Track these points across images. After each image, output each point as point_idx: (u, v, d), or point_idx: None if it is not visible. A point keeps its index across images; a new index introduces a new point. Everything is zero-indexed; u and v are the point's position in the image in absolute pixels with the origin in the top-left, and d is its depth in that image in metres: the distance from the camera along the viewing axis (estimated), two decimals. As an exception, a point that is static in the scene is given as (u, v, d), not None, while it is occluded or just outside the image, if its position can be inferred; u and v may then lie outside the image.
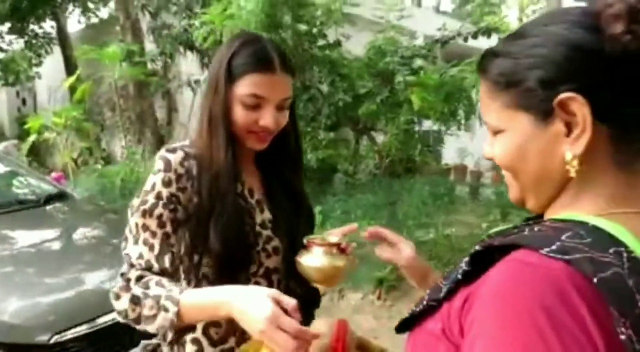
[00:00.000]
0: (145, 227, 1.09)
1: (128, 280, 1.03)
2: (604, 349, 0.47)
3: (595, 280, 0.48)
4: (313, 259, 1.07)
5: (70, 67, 9.56)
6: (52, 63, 10.40)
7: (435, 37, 4.77)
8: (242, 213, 1.16)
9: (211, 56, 6.82)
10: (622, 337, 0.47)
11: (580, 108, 0.55)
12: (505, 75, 0.61)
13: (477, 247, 0.61)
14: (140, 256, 1.06)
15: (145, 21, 7.77)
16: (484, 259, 0.58)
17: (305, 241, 1.09)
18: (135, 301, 1.00)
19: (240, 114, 1.10)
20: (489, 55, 0.65)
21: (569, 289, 0.48)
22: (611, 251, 0.51)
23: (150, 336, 1.20)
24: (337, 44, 4.51)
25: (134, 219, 1.11)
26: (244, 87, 1.09)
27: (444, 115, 4.03)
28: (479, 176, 8.22)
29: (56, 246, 2.62)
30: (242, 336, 1.12)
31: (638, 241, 0.53)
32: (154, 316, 0.97)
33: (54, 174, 3.93)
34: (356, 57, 4.69)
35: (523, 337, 0.49)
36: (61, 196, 3.15)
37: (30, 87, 11.78)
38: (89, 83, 5.17)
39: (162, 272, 1.06)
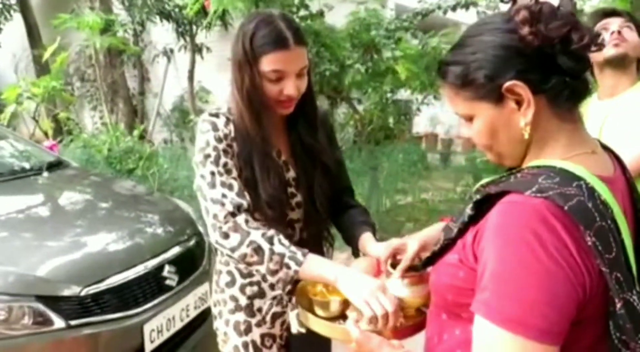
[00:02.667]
0: (219, 173, 1.27)
1: (234, 222, 1.23)
2: (576, 252, 0.69)
3: (566, 207, 0.70)
4: (395, 290, 1.12)
5: (32, 35, 9.23)
6: (11, 31, 9.99)
7: (416, 9, 4.93)
8: (277, 173, 1.35)
9: (186, 24, 6.79)
10: (589, 243, 0.69)
11: (522, 89, 0.77)
12: (460, 78, 0.82)
13: (478, 196, 0.82)
14: (224, 196, 1.25)
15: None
16: (484, 204, 0.80)
17: (387, 267, 1.19)
18: (257, 250, 1.20)
19: (266, 87, 1.29)
20: (444, 65, 0.86)
21: (548, 216, 0.69)
22: (574, 185, 0.73)
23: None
24: (320, 14, 4.61)
25: (205, 170, 1.28)
26: (265, 65, 1.26)
27: (423, 85, 4.24)
28: (449, 143, 8.53)
29: (72, 208, 2.72)
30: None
31: (592, 175, 0.75)
32: (276, 271, 1.19)
33: (47, 143, 3.95)
34: (338, 28, 4.81)
35: (518, 252, 0.70)
36: (60, 164, 3.22)
37: (-11, 56, 11.29)
38: (66, 53, 5.10)
39: (248, 208, 1.25)
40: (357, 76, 4.18)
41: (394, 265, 1.17)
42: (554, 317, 0.68)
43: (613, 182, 0.79)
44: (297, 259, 1.18)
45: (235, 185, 1.28)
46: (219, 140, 1.32)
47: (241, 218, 1.23)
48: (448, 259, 0.85)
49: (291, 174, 1.42)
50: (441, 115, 8.81)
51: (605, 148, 0.88)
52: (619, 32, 1.71)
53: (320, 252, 1.48)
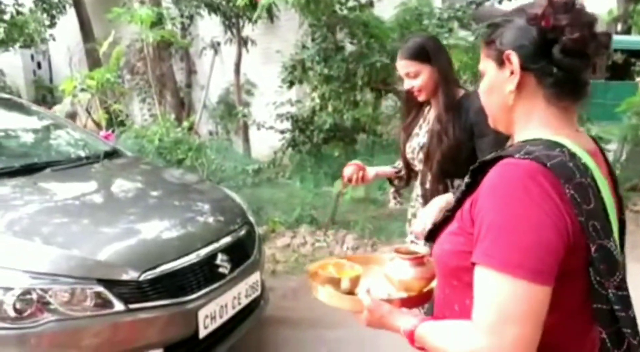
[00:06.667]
0: None
1: None
2: (560, 202, 0.81)
3: (548, 164, 0.82)
4: (398, 272, 1.18)
5: (85, 29, 9.55)
6: (65, 25, 10.36)
7: (469, -1, 4.82)
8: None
9: (233, 17, 6.86)
10: (568, 195, 0.81)
11: (514, 59, 0.91)
12: (486, 37, 1.00)
13: (473, 166, 0.94)
14: None
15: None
16: (479, 174, 0.91)
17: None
18: None
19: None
20: (487, 27, 1.03)
21: (535, 172, 0.81)
22: (557, 150, 0.85)
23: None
24: (370, 4, 4.56)
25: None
26: None
27: (475, 77, 4.14)
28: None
29: (127, 195, 2.80)
30: None
31: (575, 145, 0.88)
32: None
33: (102, 133, 4.08)
34: (387, 19, 4.75)
35: (511, 205, 0.81)
36: (115, 153, 3.31)
37: (44, 50, 11.78)
38: (120, 46, 5.24)
39: None
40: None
41: (398, 250, 1.22)
42: (547, 259, 0.79)
43: (594, 154, 0.92)
44: None
45: None
46: None
47: None
48: (449, 229, 0.96)
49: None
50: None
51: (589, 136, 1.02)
52: None
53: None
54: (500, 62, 0.93)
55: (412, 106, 2.06)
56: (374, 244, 4.28)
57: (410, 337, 0.94)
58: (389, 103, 5.90)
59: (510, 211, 0.80)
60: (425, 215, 1.76)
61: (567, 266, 0.81)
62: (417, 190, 2.07)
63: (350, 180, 2.08)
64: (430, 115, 2.00)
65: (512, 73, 0.92)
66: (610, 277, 0.83)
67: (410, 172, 2.12)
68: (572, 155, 0.85)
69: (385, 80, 4.79)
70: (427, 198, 1.93)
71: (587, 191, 0.82)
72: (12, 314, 1.80)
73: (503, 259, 0.79)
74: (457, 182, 1.84)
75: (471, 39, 4.16)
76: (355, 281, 1.25)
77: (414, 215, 2.06)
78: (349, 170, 2.08)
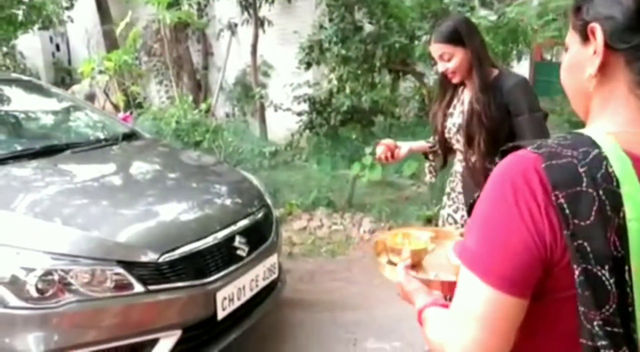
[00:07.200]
0: None
1: None
2: (544, 207, 0.69)
3: (544, 165, 0.70)
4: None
5: (102, 11, 9.55)
6: (83, 7, 10.37)
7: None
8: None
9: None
10: (555, 203, 0.69)
11: (598, 34, 0.73)
12: (576, 3, 0.79)
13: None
14: None
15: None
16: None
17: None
18: None
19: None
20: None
21: (529, 169, 0.71)
22: (581, 150, 0.71)
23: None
24: (387, -17, 4.46)
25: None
26: None
27: (498, 57, 4.04)
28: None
29: (146, 177, 2.81)
30: None
31: (619, 148, 0.71)
32: None
33: (120, 115, 4.09)
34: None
35: (492, 198, 0.74)
36: (133, 135, 3.32)
37: (62, 32, 11.82)
38: (136, 28, 5.23)
39: None
40: (427, 48, 4.01)
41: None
42: (513, 266, 0.70)
43: None
44: None
45: None
46: None
47: None
48: None
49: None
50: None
51: None
52: None
53: None
54: (585, 36, 0.75)
55: (447, 88, 2.11)
56: (391, 228, 4.26)
57: (419, 317, 0.93)
58: (407, 85, 5.81)
59: (487, 206, 0.74)
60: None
61: (550, 283, 0.72)
62: (456, 166, 2.18)
63: (381, 158, 2.18)
64: (464, 96, 2.07)
65: (594, 53, 0.74)
66: (597, 309, 0.68)
67: (446, 151, 2.20)
68: (598, 162, 0.69)
69: (404, 61, 4.70)
70: (472, 175, 2.03)
71: (589, 204, 0.68)
72: (35, 294, 1.82)
73: (470, 255, 0.75)
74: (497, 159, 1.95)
75: (493, 17, 4.04)
76: (417, 254, 1.25)
77: (453, 189, 2.19)
78: (380, 149, 2.16)
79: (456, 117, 2.07)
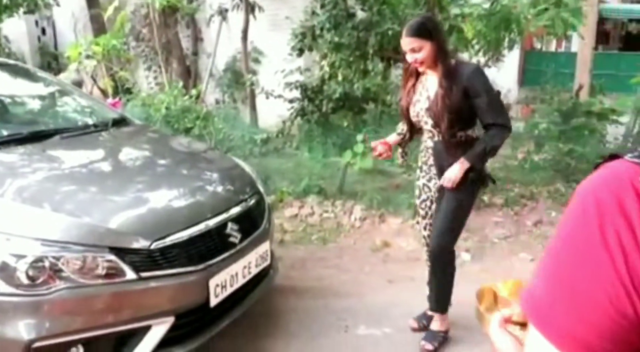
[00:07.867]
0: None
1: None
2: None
3: None
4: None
5: (89, -6, 9.38)
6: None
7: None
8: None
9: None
10: None
11: None
12: None
13: (599, 160, 0.63)
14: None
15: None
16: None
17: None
18: None
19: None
20: None
21: (624, 183, 0.51)
22: None
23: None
24: (382, -31, 4.42)
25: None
26: None
27: (490, 45, 4.03)
28: (507, 108, 8.22)
29: (136, 164, 2.77)
30: None
31: None
32: None
33: (110, 100, 4.03)
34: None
35: (568, 226, 0.55)
36: (123, 121, 3.27)
37: (48, 16, 11.59)
38: (126, 12, 5.14)
39: None
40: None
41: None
42: (591, 328, 0.50)
43: None
44: None
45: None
46: None
47: None
48: None
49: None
50: (498, 79, 8.44)
51: None
52: None
53: None
54: None
55: (410, 77, 2.46)
56: (382, 215, 4.27)
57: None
58: (399, 72, 5.79)
59: (563, 234, 0.55)
60: (451, 171, 2.32)
61: None
62: (426, 143, 2.52)
63: (382, 154, 2.55)
64: (427, 83, 2.41)
65: None
66: None
67: (412, 131, 2.59)
68: None
69: (397, 48, 4.68)
70: (438, 150, 2.43)
71: None
72: (25, 281, 1.80)
73: (536, 307, 0.56)
74: (460, 133, 2.33)
75: (486, 5, 4.04)
76: None
77: (425, 163, 2.55)
78: (381, 148, 2.54)
79: (424, 102, 2.40)
